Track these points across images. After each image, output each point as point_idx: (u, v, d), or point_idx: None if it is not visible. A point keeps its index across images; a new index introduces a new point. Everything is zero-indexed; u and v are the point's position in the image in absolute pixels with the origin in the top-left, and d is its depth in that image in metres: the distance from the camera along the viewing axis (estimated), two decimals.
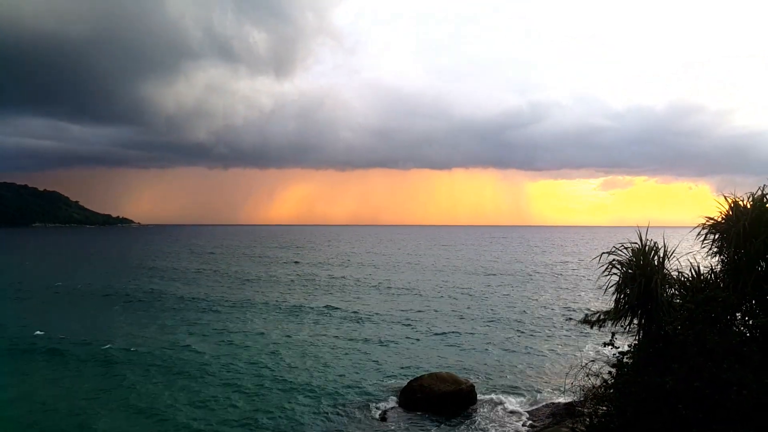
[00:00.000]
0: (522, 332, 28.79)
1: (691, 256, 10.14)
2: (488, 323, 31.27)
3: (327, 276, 56.66)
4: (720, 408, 7.76)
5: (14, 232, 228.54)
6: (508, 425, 15.98)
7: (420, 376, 18.45)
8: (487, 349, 25.17)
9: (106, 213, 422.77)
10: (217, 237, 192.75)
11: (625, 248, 10.26)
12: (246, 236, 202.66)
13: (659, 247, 10.03)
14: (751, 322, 9.30)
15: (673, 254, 10.06)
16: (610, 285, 10.22)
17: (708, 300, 9.06)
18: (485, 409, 17.18)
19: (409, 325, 30.82)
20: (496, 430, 15.73)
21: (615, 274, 10.23)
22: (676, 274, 10.16)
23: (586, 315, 12.07)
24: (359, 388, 19.44)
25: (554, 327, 29.89)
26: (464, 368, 21.73)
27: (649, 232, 10.08)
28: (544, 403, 17.55)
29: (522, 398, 18.29)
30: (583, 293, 43.43)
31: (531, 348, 25.31)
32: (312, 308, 35.85)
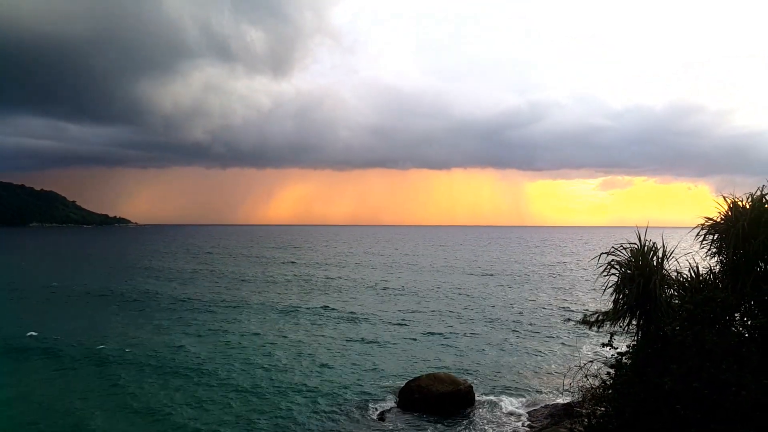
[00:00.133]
0: (520, 333, 28.79)
1: (690, 256, 10.13)
2: (486, 324, 31.25)
3: (324, 276, 56.59)
4: (719, 408, 7.74)
5: (11, 232, 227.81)
6: (506, 426, 15.96)
7: (418, 377, 18.41)
8: (485, 350, 25.15)
9: (104, 213, 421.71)
10: (214, 237, 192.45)
11: (624, 249, 10.25)
12: (244, 236, 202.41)
13: (658, 247, 10.02)
14: (749, 322, 9.29)
15: (672, 255, 10.06)
16: (608, 285, 10.22)
17: (707, 300, 9.05)
18: (483, 410, 17.15)
19: (407, 325, 30.78)
20: (494, 430, 15.70)
21: (614, 274, 10.22)
22: (675, 274, 10.15)
23: (585, 315, 12.06)
24: (357, 388, 19.38)
25: (552, 327, 29.89)
26: (462, 369, 21.70)
27: (648, 233, 10.07)
28: (542, 404, 17.53)
29: (520, 399, 18.27)
30: (581, 294, 43.46)
31: (529, 348, 25.29)
32: (309, 309, 35.77)
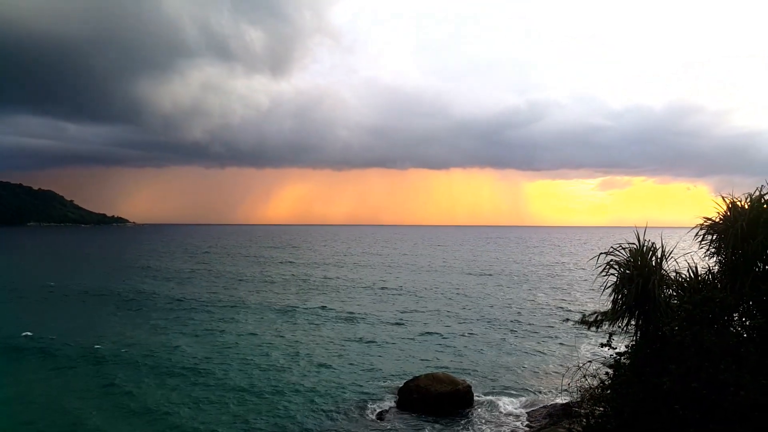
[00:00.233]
0: (519, 333, 28.79)
1: (689, 256, 10.14)
2: (485, 324, 31.26)
3: (322, 276, 56.56)
4: (717, 408, 7.75)
5: (9, 232, 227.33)
6: (505, 426, 15.96)
7: (416, 377, 18.41)
8: (483, 350, 25.15)
9: (101, 212, 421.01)
10: (213, 237, 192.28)
11: (623, 249, 10.25)
12: (242, 236, 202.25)
13: (657, 247, 10.03)
14: (748, 323, 9.30)
15: (671, 255, 10.06)
16: (607, 285, 10.22)
17: (706, 301, 9.06)
18: (482, 410, 17.15)
19: (405, 325, 30.77)
20: (493, 430, 15.70)
21: (613, 274, 10.22)
22: (674, 274, 10.16)
23: (584, 316, 12.06)
24: (355, 388, 19.37)
25: (551, 328, 29.90)
26: (461, 369, 21.70)
27: (647, 233, 10.07)
28: (541, 404, 17.54)
29: (519, 399, 18.27)
30: (580, 294, 43.49)
31: (528, 348, 25.30)
32: (307, 308, 35.74)
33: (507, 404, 17.64)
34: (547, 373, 21.27)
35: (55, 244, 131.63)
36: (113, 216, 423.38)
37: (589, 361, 11.92)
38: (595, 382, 10.65)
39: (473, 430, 15.75)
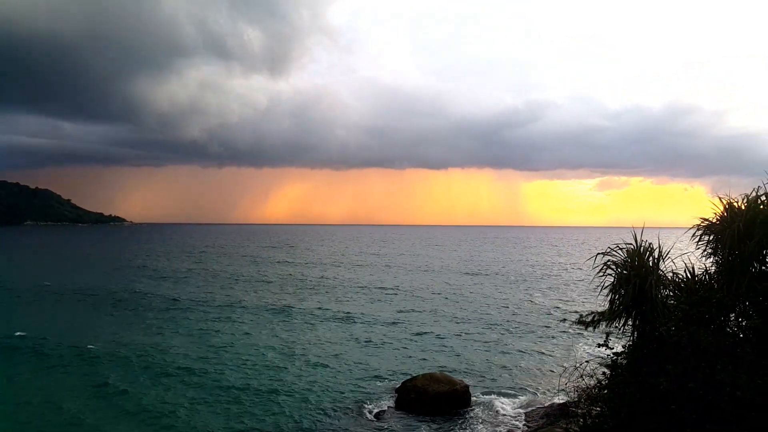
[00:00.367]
0: (516, 333, 28.83)
1: (686, 257, 10.16)
2: (482, 324, 31.29)
3: (319, 276, 56.53)
4: (714, 409, 7.77)
5: (6, 231, 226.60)
6: (502, 425, 15.97)
7: (414, 377, 18.41)
8: (481, 350, 25.17)
9: (99, 211, 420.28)
10: (210, 236, 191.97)
11: (620, 249, 10.28)
12: (240, 235, 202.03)
13: (654, 248, 10.06)
14: (744, 323, 9.33)
15: (668, 255, 10.10)
16: (605, 286, 10.24)
17: (702, 301, 9.08)
18: (479, 410, 17.16)
19: (402, 325, 30.77)
20: (490, 430, 15.71)
21: (610, 275, 10.25)
22: (671, 275, 10.18)
23: (581, 316, 12.08)
24: (352, 388, 19.36)
25: (548, 328, 29.94)
26: (458, 369, 21.71)
27: (644, 233, 10.10)
28: (538, 404, 17.56)
29: (516, 399, 18.29)
30: (577, 294, 43.57)
31: (525, 348, 25.33)
32: (303, 308, 35.70)
33: (504, 404, 17.65)
34: (544, 373, 21.30)
35: (52, 244, 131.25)
36: (110, 215, 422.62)
37: (586, 361, 11.95)
38: (592, 382, 10.67)
39: (471, 430, 15.76)
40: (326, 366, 22.09)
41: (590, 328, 11.40)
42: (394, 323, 31.23)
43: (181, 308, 35.57)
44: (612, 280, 10.14)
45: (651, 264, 9.92)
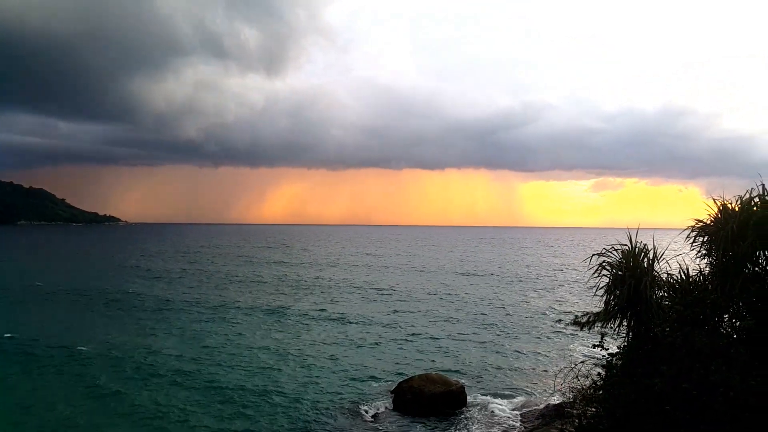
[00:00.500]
0: (511, 333, 28.89)
1: (681, 258, 10.22)
2: (478, 324, 31.34)
3: (314, 276, 56.45)
4: (708, 409, 7.81)
5: None
6: (498, 426, 16.01)
7: (410, 377, 18.43)
8: (476, 351, 25.20)
9: (93, 211, 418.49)
10: (206, 236, 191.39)
11: (615, 250, 10.32)
12: (236, 235, 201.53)
13: (649, 249, 10.11)
14: (738, 324, 9.39)
15: (663, 256, 10.15)
16: (600, 287, 10.29)
17: (697, 302, 9.14)
18: (475, 410, 17.19)
19: (398, 326, 30.77)
20: (486, 431, 15.74)
21: (605, 275, 10.29)
22: (666, 276, 10.24)
23: (576, 316, 12.12)
24: (348, 389, 19.35)
25: (544, 328, 30.03)
26: (454, 369, 21.74)
27: (639, 234, 10.15)
28: (533, 404, 17.61)
29: (512, 399, 18.34)
30: (572, 295, 43.70)
31: (520, 349, 25.39)
32: (298, 309, 35.62)
33: (500, 405, 17.70)
34: (539, 374, 21.35)
35: (46, 243, 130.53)
36: (105, 215, 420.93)
37: (582, 362, 11.98)
38: (588, 383, 10.70)
39: (467, 430, 15.79)
40: (322, 367, 22.05)
41: (585, 329, 11.43)
42: (389, 324, 31.23)
43: (174, 309, 35.41)
44: (607, 280, 10.19)
45: (646, 265, 9.97)
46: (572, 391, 11.92)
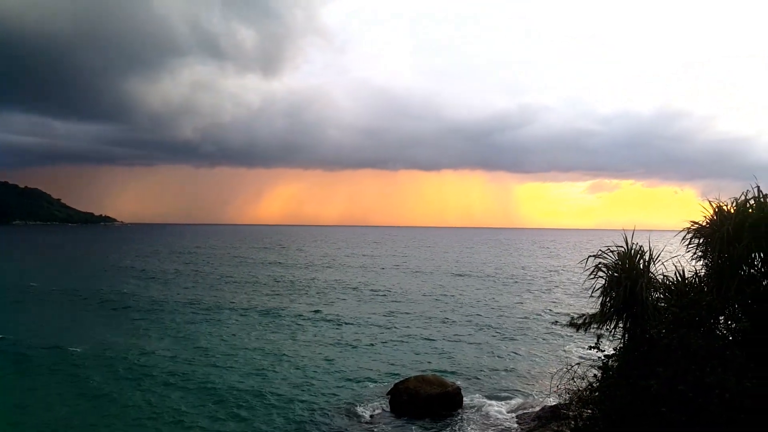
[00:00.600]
0: (507, 335, 28.89)
1: (677, 259, 10.24)
2: (473, 326, 31.33)
3: (309, 278, 56.33)
4: (704, 411, 7.82)
5: None
6: (494, 427, 15.99)
7: (406, 379, 18.38)
8: (472, 352, 25.18)
9: (89, 211, 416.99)
10: (201, 237, 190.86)
11: (611, 252, 10.33)
12: (232, 236, 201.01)
13: (645, 250, 10.12)
14: (733, 325, 9.42)
15: (659, 258, 10.16)
16: (596, 288, 10.29)
17: (692, 304, 9.16)
18: (471, 412, 17.17)
19: (393, 327, 30.73)
20: None
21: (601, 277, 10.29)
22: (662, 277, 10.26)
23: (572, 318, 12.12)
24: (343, 391, 19.29)
25: (539, 330, 30.04)
26: (450, 371, 21.71)
27: (635, 236, 10.15)
28: (530, 406, 17.60)
29: (508, 401, 18.33)
30: (568, 296, 43.76)
31: (516, 351, 25.39)
32: (293, 311, 35.51)
33: (496, 406, 17.68)
34: (535, 375, 21.35)
35: (40, 243, 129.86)
36: (101, 215, 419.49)
37: (578, 364, 11.97)
38: (584, 385, 10.71)
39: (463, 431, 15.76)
40: (317, 368, 21.98)
41: (581, 331, 11.43)
42: (385, 325, 31.18)
43: (169, 309, 35.22)
44: (603, 282, 10.20)
45: (642, 266, 9.98)
46: (568, 393, 11.93)
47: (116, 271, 61.70)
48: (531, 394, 18.98)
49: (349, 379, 20.58)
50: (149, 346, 25.04)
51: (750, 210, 9.47)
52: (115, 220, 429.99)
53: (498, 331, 29.81)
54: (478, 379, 20.87)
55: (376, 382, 20.28)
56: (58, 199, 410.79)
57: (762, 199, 9.44)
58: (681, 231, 10.27)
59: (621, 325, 10.16)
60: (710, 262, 9.86)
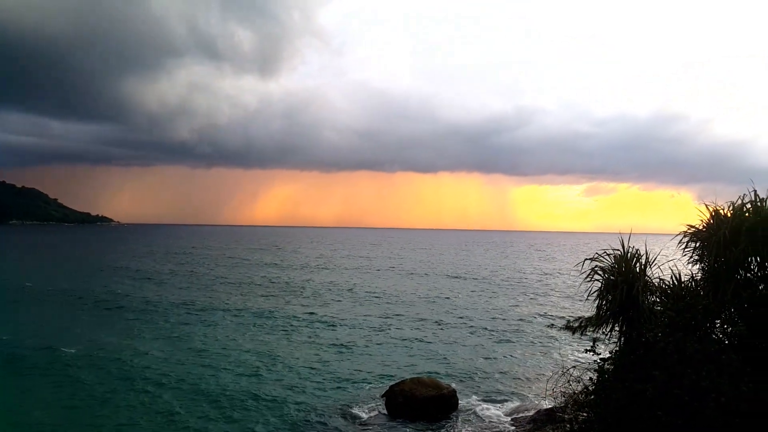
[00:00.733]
0: (503, 337, 28.85)
1: (673, 263, 10.23)
2: (469, 328, 31.28)
3: (305, 279, 56.21)
4: (699, 415, 7.80)
5: None
6: (489, 430, 15.94)
7: (402, 381, 18.31)
8: (467, 355, 25.14)
9: (85, 211, 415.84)
10: (197, 237, 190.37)
11: (608, 255, 10.33)
12: (228, 237, 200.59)
13: (641, 254, 10.12)
14: (729, 329, 9.41)
15: (655, 261, 10.16)
16: (592, 291, 10.28)
17: (688, 307, 9.14)
18: (467, 414, 17.12)
19: (389, 329, 30.65)
20: None
21: (597, 280, 10.29)
22: (658, 281, 10.25)
23: (568, 321, 12.11)
24: (339, 393, 19.21)
25: (535, 333, 30.03)
26: (445, 373, 21.66)
27: (631, 239, 10.15)
28: (525, 409, 17.56)
29: (503, 404, 18.28)
30: (564, 299, 43.77)
31: (512, 354, 25.36)
32: (287, 312, 35.37)
33: (491, 409, 17.64)
34: (530, 378, 21.32)
35: (36, 243, 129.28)
36: (97, 215, 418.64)
37: (573, 367, 11.96)
38: (579, 388, 10.69)
39: None
40: (312, 369, 21.88)
41: (577, 334, 11.43)
42: (380, 327, 31.11)
43: (163, 310, 35.00)
44: (599, 285, 10.19)
45: (638, 270, 9.98)
46: (564, 396, 11.92)
47: (111, 271, 61.41)
48: (527, 397, 18.94)
49: (345, 381, 20.50)
50: (143, 347, 24.86)
51: (746, 214, 9.47)
52: (111, 220, 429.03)
53: (493, 333, 29.78)
54: (474, 381, 20.83)
55: (371, 384, 20.20)
56: (55, 199, 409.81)
57: (759, 203, 9.45)
58: (677, 235, 10.28)
59: (617, 328, 10.16)
60: (706, 266, 9.86)
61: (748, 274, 9.52)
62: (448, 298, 43.93)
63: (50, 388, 19.05)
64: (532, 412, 16.76)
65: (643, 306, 9.65)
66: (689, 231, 10.18)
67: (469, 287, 51.80)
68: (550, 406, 15.85)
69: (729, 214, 9.67)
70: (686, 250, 10.21)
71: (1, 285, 46.16)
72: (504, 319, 34.08)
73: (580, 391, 10.49)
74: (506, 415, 17.20)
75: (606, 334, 10.42)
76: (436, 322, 33.11)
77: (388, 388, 18.22)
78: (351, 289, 48.13)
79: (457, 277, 61.24)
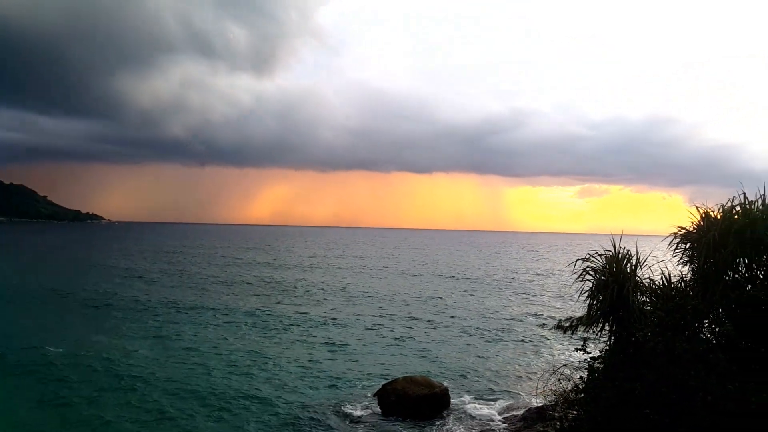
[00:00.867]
0: (494, 337, 29.01)
1: (663, 264, 10.37)
2: (461, 328, 31.42)
3: (298, 278, 56.13)
4: (687, 414, 7.92)
5: None
6: (480, 428, 16.05)
7: (394, 380, 18.39)
8: (460, 354, 25.26)
9: (76, 209, 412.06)
10: (189, 236, 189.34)
11: (599, 255, 10.45)
12: (221, 236, 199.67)
13: (632, 255, 10.25)
14: (717, 329, 9.56)
15: (646, 262, 10.30)
16: (583, 291, 10.39)
17: (678, 308, 9.28)
18: (459, 413, 17.23)
19: (382, 329, 30.72)
20: None
21: (588, 280, 10.41)
22: (648, 281, 10.39)
23: (559, 321, 12.23)
24: (331, 392, 19.24)
25: (527, 332, 30.22)
26: (437, 372, 21.76)
27: (622, 240, 10.28)
28: (516, 407, 17.70)
29: (495, 402, 18.41)
30: (556, 299, 44.05)
31: (503, 352, 25.51)
32: (279, 312, 35.33)
33: (483, 407, 17.75)
34: (521, 377, 21.48)
35: (25, 241, 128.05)
36: (88, 213, 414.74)
37: (564, 366, 12.08)
38: (570, 386, 10.80)
39: None
40: (304, 369, 21.88)
41: (568, 333, 11.55)
42: (372, 326, 31.16)
43: (152, 309, 34.67)
44: (590, 285, 10.31)
45: (629, 270, 10.11)
46: (554, 395, 12.03)
47: (101, 269, 60.92)
48: (518, 396, 19.09)
49: (337, 380, 20.53)
50: (132, 346, 24.64)
51: (736, 216, 9.63)
52: (102, 218, 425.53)
53: (485, 333, 29.93)
54: (466, 380, 20.94)
55: (363, 382, 20.25)
56: (45, 197, 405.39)
57: (747, 206, 9.61)
58: (668, 236, 10.43)
59: (607, 328, 10.29)
60: (696, 267, 10.01)
61: (737, 276, 9.68)
62: (440, 297, 44.06)
63: (36, 388, 18.76)
64: (523, 410, 16.90)
65: (634, 306, 9.78)
66: (680, 233, 10.33)
67: (462, 287, 51.98)
68: (540, 405, 15.98)
69: (719, 217, 9.82)
70: (676, 251, 10.36)
71: None
72: (496, 319, 34.25)
73: (571, 390, 10.61)
74: (498, 413, 17.33)
75: (596, 334, 10.54)
76: (429, 321, 33.21)
77: (380, 386, 18.31)
78: (344, 289, 48.13)
79: (450, 277, 61.42)
